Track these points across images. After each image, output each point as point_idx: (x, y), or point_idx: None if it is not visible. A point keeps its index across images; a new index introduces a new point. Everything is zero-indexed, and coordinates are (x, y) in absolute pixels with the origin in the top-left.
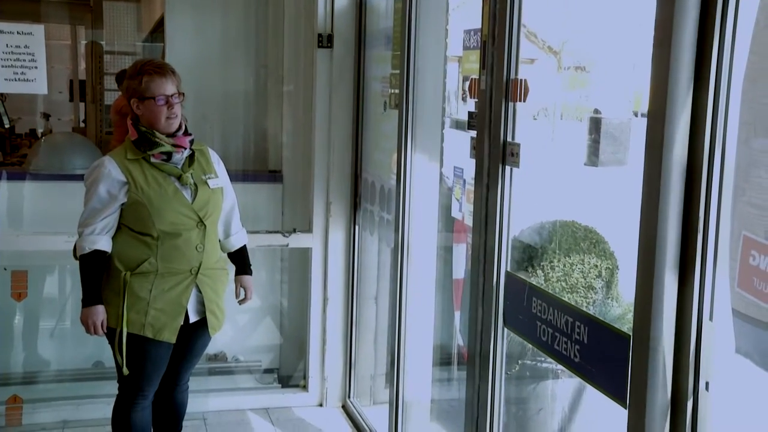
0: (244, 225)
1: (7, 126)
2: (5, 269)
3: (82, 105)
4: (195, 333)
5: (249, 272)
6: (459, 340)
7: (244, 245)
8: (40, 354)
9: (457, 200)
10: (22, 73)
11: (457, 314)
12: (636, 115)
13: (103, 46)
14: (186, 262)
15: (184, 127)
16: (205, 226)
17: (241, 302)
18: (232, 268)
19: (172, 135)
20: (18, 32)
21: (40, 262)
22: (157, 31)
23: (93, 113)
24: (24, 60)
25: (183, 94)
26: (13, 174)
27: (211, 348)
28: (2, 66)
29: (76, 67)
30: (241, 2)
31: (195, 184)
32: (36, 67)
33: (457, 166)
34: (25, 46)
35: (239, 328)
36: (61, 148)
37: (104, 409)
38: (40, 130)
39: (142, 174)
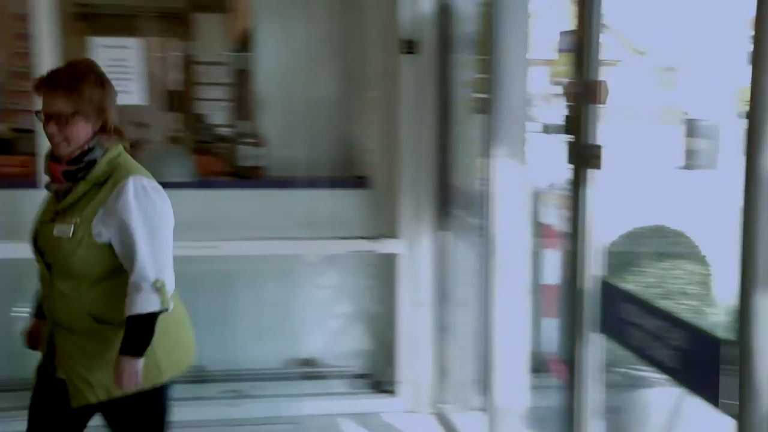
0: (331, 231)
1: None
2: None
3: (174, 115)
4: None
5: (126, 352)
6: (547, 347)
7: (135, 315)
8: None
9: (548, 206)
10: (121, 85)
11: (546, 320)
12: (730, 116)
13: (195, 57)
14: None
15: (78, 156)
16: (50, 272)
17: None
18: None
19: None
20: (117, 46)
21: None
22: (246, 41)
23: (185, 123)
24: (123, 72)
25: (76, 113)
26: None
27: (304, 353)
28: None
29: (169, 78)
30: (327, 10)
31: (50, 222)
32: (134, 79)
33: (546, 171)
34: (124, 60)
35: (331, 333)
36: (157, 158)
37: (202, 412)
38: (134, 140)
39: None
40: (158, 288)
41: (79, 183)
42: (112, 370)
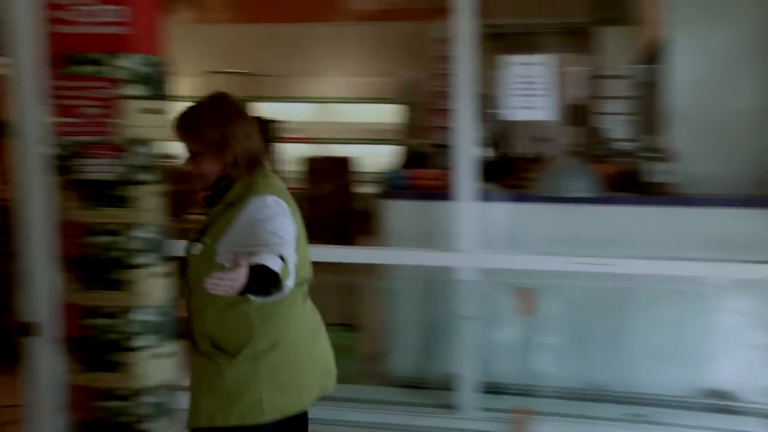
0: (744, 253)
1: (510, 151)
2: (512, 287)
3: (573, 129)
4: None
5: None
6: None
7: (257, 265)
8: (542, 369)
9: None
10: (529, 101)
11: None
12: None
13: (597, 71)
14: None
15: (214, 182)
16: (190, 292)
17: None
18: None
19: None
20: (525, 63)
21: (545, 281)
22: (654, 52)
23: (584, 137)
24: (530, 89)
25: (200, 153)
26: (518, 196)
27: (712, 383)
28: (513, 95)
29: (570, 92)
30: (750, 16)
31: (193, 242)
32: (542, 95)
33: None
34: (532, 76)
35: (746, 364)
36: (560, 172)
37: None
38: (536, 154)
39: None
40: (282, 257)
41: (217, 206)
42: (218, 398)
